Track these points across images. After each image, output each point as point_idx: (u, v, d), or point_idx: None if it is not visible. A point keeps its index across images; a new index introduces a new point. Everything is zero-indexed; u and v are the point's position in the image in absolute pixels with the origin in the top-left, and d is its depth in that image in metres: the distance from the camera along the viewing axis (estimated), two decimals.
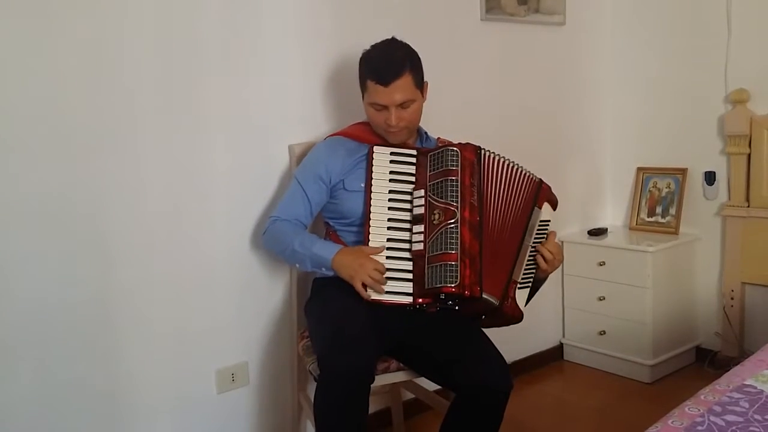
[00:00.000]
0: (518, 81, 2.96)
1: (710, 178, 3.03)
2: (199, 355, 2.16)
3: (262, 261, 2.24)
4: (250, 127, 2.19)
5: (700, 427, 1.40)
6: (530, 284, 1.96)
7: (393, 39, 1.99)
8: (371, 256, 1.84)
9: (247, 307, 2.25)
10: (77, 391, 1.94)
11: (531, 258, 1.94)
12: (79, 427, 1.95)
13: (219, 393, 2.21)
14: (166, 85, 2.02)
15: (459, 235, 1.77)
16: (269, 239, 2.03)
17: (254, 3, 2.16)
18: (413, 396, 2.42)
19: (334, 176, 1.98)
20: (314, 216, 2.03)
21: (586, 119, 3.29)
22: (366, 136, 2.04)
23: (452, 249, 1.76)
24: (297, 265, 1.96)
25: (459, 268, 1.75)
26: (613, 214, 3.41)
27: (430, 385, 2.04)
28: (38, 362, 1.87)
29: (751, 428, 1.39)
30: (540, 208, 1.94)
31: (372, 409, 2.44)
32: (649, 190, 3.24)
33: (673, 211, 3.13)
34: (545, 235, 1.97)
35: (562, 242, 3.16)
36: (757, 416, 1.44)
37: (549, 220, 1.99)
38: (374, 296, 1.81)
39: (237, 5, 2.13)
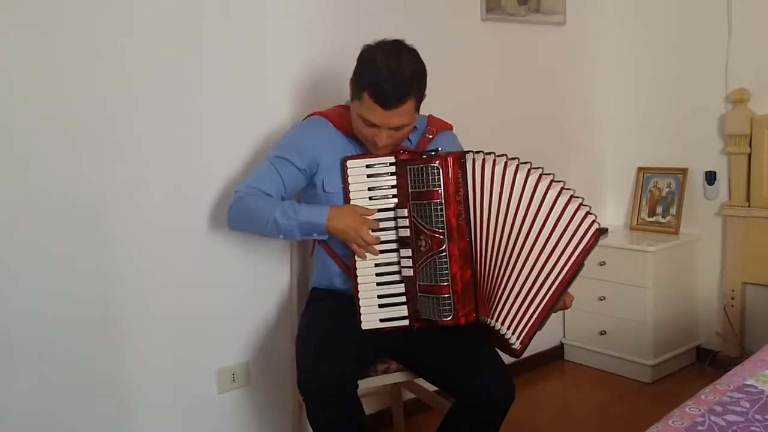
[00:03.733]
0: (518, 81, 2.96)
1: (711, 177, 3.03)
2: (200, 355, 2.16)
3: (262, 261, 2.24)
4: (251, 127, 2.19)
5: (700, 427, 1.40)
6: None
7: (401, 47, 1.76)
8: (363, 216, 1.78)
9: (247, 308, 2.25)
10: (78, 390, 1.94)
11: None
12: (80, 427, 1.95)
13: (219, 393, 2.21)
14: (167, 84, 2.02)
15: (449, 266, 1.71)
16: (237, 216, 1.88)
17: (255, 3, 2.16)
18: (414, 396, 2.42)
19: (312, 165, 1.86)
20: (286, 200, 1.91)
21: (586, 119, 3.29)
22: (346, 125, 1.88)
23: (443, 281, 1.71)
24: (281, 236, 1.83)
25: (452, 301, 1.72)
26: (613, 214, 3.41)
27: (430, 386, 2.04)
28: (39, 361, 1.87)
29: (752, 428, 1.39)
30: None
31: (372, 409, 2.47)
32: (650, 190, 3.24)
33: (673, 211, 3.13)
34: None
35: None
36: (757, 416, 1.44)
37: None
38: (371, 325, 1.80)
39: (238, 5, 2.13)
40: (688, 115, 3.09)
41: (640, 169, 3.28)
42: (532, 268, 1.71)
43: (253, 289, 2.25)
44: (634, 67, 3.27)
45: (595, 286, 3.07)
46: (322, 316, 1.89)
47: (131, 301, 2.01)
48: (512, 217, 1.71)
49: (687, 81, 3.08)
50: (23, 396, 1.86)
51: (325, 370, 1.64)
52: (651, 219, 3.22)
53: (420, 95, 1.76)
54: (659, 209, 3.19)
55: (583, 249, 1.71)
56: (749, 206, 2.88)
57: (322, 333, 1.80)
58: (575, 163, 3.23)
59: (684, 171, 3.11)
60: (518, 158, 1.74)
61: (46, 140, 1.83)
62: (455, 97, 2.68)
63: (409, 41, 2.56)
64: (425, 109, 2.05)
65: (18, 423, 1.85)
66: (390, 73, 1.69)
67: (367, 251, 1.78)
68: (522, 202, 1.70)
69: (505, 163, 1.72)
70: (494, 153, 1.75)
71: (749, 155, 2.87)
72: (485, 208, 1.73)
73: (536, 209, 1.70)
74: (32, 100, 1.81)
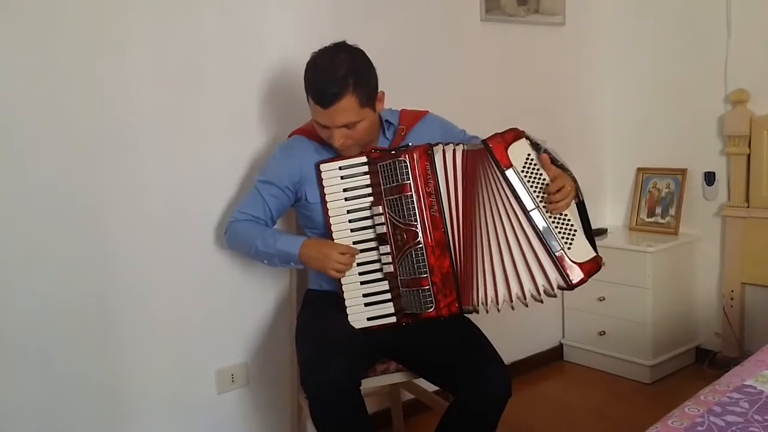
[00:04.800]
0: (518, 81, 2.96)
1: (710, 178, 3.03)
2: (199, 355, 2.16)
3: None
4: (251, 127, 2.20)
5: (700, 428, 1.40)
6: (575, 229, 1.73)
7: (340, 48, 1.78)
8: (336, 244, 1.81)
9: (247, 308, 2.25)
10: (77, 390, 1.94)
11: (549, 211, 1.71)
12: (80, 427, 1.95)
13: (219, 393, 2.21)
14: (167, 84, 2.02)
15: (425, 258, 1.75)
16: (231, 241, 1.98)
17: (255, 3, 2.16)
18: (413, 396, 2.42)
19: (295, 181, 1.89)
20: (275, 222, 1.97)
21: (585, 119, 3.29)
22: None
23: (422, 273, 1.75)
24: (265, 262, 1.91)
25: (433, 292, 1.75)
26: (612, 215, 3.42)
27: (429, 386, 2.04)
28: (39, 361, 1.88)
29: (751, 429, 1.39)
30: (509, 165, 1.69)
31: (372, 410, 2.47)
32: (649, 191, 3.24)
33: (672, 211, 3.14)
34: (540, 174, 1.71)
35: None
36: (757, 417, 1.44)
37: (529, 154, 1.72)
38: (359, 325, 1.82)
39: (238, 5, 2.13)
40: (687, 116, 3.09)
41: (639, 169, 3.28)
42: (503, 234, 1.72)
43: (252, 289, 2.25)
44: (633, 67, 3.27)
45: (594, 286, 3.03)
46: (320, 316, 1.89)
47: (131, 302, 2.01)
48: (482, 202, 1.74)
49: (686, 82, 3.08)
50: (23, 396, 1.86)
51: (330, 368, 1.65)
52: (650, 219, 3.22)
53: (362, 92, 1.75)
54: (658, 210, 3.20)
55: (489, 170, 1.71)
56: (748, 207, 2.88)
57: (322, 332, 1.81)
58: (574, 164, 3.20)
59: (683, 171, 3.11)
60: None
61: (45, 140, 1.83)
62: (454, 98, 2.68)
63: (408, 41, 2.57)
64: (429, 110, 2.06)
65: (18, 423, 1.85)
66: (324, 72, 1.73)
67: (344, 269, 1.79)
68: (486, 183, 1.73)
69: (464, 148, 1.77)
70: (462, 143, 1.79)
71: (748, 156, 2.87)
72: (459, 198, 1.76)
73: (484, 182, 1.73)
74: (32, 100, 1.81)
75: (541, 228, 1.69)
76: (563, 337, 3.27)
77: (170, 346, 2.10)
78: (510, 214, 1.71)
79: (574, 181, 1.76)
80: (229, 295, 2.20)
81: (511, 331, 2.85)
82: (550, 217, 1.70)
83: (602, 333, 3.08)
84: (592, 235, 1.78)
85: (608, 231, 3.23)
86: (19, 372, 1.85)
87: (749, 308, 2.95)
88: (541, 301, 1.73)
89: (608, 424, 2.62)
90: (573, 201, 1.74)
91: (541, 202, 1.70)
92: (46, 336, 1.88)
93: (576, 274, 1.70)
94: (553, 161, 1.76)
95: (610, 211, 3.42)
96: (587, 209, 1.80)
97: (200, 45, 2.07)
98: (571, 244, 1.71)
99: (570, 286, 1.71)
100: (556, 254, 1.69)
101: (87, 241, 1.92)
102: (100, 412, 1.99)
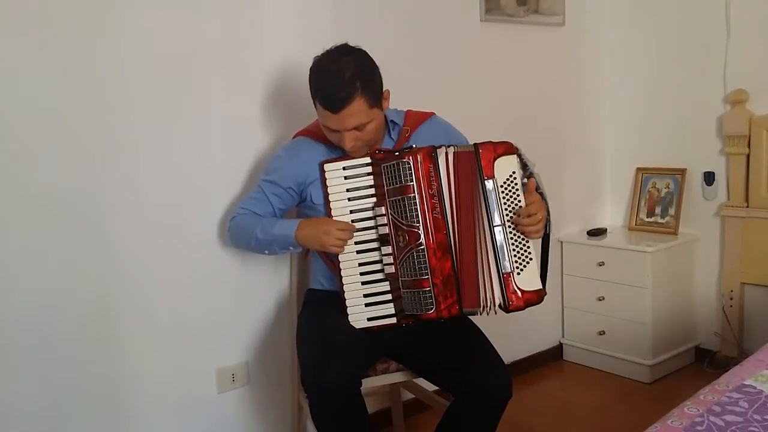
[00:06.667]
0: (518, 81, 2.97)
1: (709, 178, 3.04)
2: (200, 354, 2.17)
3: (262, 261, 2.24)
4: (253, 128, 2.20)
5: (699, 427, 1.40)
6: (531, 259, 1.77)
7: (343, 50, 1.78)
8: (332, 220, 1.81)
9: (247, 307, 2.25)
10: (78, 391, 1.95)
11: (513, 232, 1.74)
12: (80, 427, 1.96)
13: (219, 393, 2.22)
14: (166, 86, 2.02)
15: (427, 259, 1.75)
16: (233, 236, 2.00)
17: (255, 4, 2.16)
18: (413, 396, 2.43)
19: (300, 182, 1.91)
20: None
21: (585, 120, 3.29)
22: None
23: (423, 275, 1.75)
24: (266, 252, 1.92)
25: (434, 294, 1.75)
26: (612, 215, 3.42)
27: (429, 385, 2.04)
28: (39, 362, 1.88)
29: (751, 428, 1.39)
30: (491, 176, 1.74)
31: (372, 409, 2.47)
32: (649, 191, 3.24)
33: (672, 211, 3.14)
34: (518, 195, 1.75)
35: (561, 242, 3.17)
36: (756, 416, 1.44)
37: (514, 172, 1.76)
38: (359, 325, 1.82)
39: (238, 7, 2.13)
40: (686, 116, 3.10)
41: (638, 169, 3.29)
42: (475, 231, 1.75)
43: (252, 288, 2.25)
44: (632, 67, 3.27)
45: (593, 286, 3.07)
46: (321, 316, 1.90)
47: (131, 302, 2.02)
48: (481, 206, 1.75)
49: (685, 82, 3.08)
50: (24, 397, 1.86)
51: (330, 367, 1.65)
52: (650, 219, 3.23)
53: (370, 93, 1.76)
54: (658, 209, 3.20)
55: (472, 174, 1.75)
56: (748, 206, 2.88)
57: (323, 332, 1.82)
58: (574, 164, 3.24)
59: (682, 171, 3.12)
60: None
61: (45, 143, 1.84)
62: (454, 98, 2.69)
63: (408, 41, 2.57)
64: (421, 106, 2.07)
65: (18, 424, 1.85)
66: (331, 77, 1.73)
67: (344, 245, 1.79)
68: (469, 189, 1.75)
69: (462, 151, 1.79)
70: (458, 145, 1.80)
71: (748, 156, 2.87)
72: (459, 200, 1.77)
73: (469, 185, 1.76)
74: (32, 101, 1.81)
75: (498, 245, 1.74)
76: (563, 336, 3.28)
77: (171, 345, 2.10)
78: (479, 223, 1.75)
79: (548, 213, 1.80)
80: (229, 294, 2.20)
81: (511, 331, 2.85)
82: (511, 238, 1.74)
83: (602, 333, 3.08)
84: (546, 269, 1.83)
85: (608, 231, 3.24)
86: (20, 372, 1.85)
87: (748, 308, 2.96)
88: (487, 314, 1.77)
89: (608, 424, 2.63)
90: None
91: (508, 221, 1.74)
92: (47, 337, 1.88)
93: (515, 300, 1.74)
94: (535, 188, 1.79)
95: (609, 210, 3.42)
96: (549, 243, 1.84)
97: (201, 45, 2.07)
98: (521, 270, 1.75)
99: (505, 309, 1.75)
100: (504, 274, 1.73)
101: (87, 242, 1.93)
102: (100, 411, 1.99)
